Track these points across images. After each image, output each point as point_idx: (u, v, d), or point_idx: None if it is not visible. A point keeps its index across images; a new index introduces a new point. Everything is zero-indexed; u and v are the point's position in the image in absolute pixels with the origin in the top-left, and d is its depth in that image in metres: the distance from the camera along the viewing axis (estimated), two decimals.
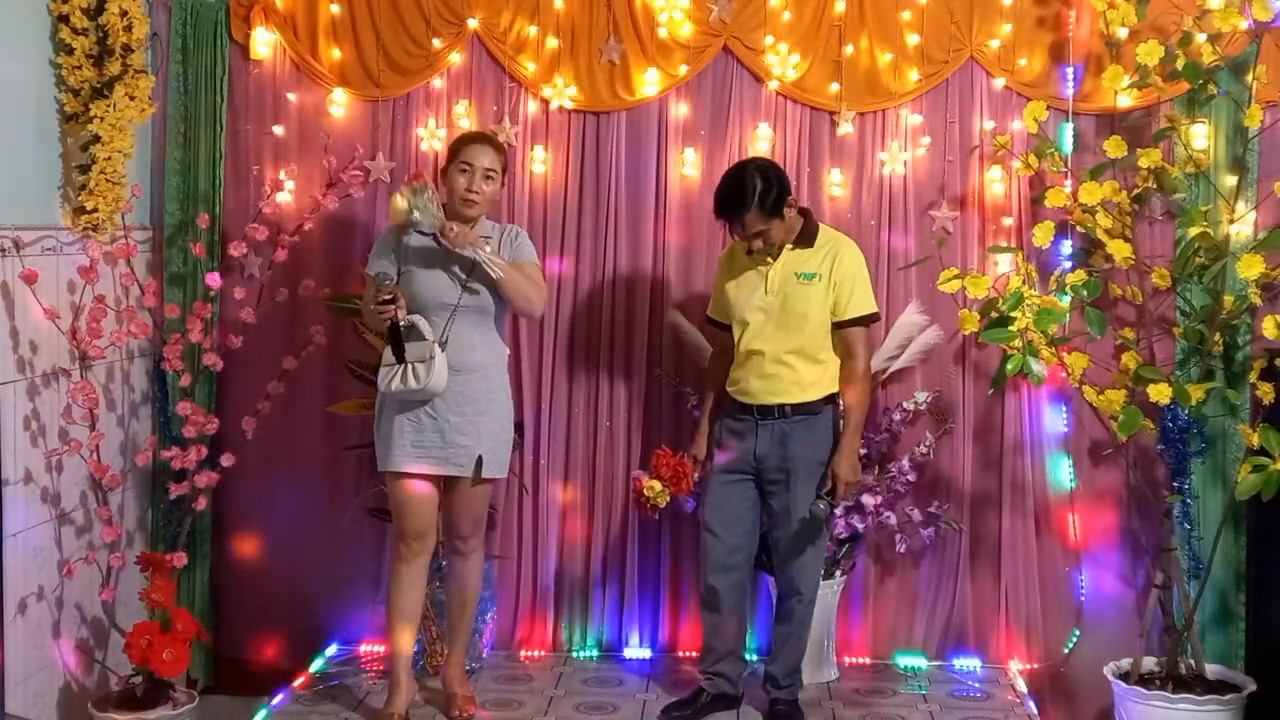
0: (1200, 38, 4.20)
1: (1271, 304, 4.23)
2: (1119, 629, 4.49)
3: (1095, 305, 4.18)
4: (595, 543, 4.69)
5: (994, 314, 4.01)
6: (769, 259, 3.95)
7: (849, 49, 4.52)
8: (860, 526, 4.41)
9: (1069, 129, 4.46)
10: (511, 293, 3.81)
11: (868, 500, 4.38)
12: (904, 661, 4.60)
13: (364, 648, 4.70)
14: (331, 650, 4.68)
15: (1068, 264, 4.37)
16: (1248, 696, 4.17)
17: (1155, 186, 4.28)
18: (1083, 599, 4.56)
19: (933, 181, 4.58)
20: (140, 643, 3.96)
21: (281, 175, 4.59)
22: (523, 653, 4.69)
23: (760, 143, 4.56)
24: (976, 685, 4.43)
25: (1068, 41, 4.46)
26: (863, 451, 4.20)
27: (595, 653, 4.70)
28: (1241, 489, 3.85)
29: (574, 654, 4.70)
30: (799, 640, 4.07)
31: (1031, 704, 4.26)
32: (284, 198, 4.60)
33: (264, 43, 4.65)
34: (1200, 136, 4.34)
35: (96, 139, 4.01)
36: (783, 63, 4.53)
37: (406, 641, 3.98)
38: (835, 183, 4.58)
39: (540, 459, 4.67)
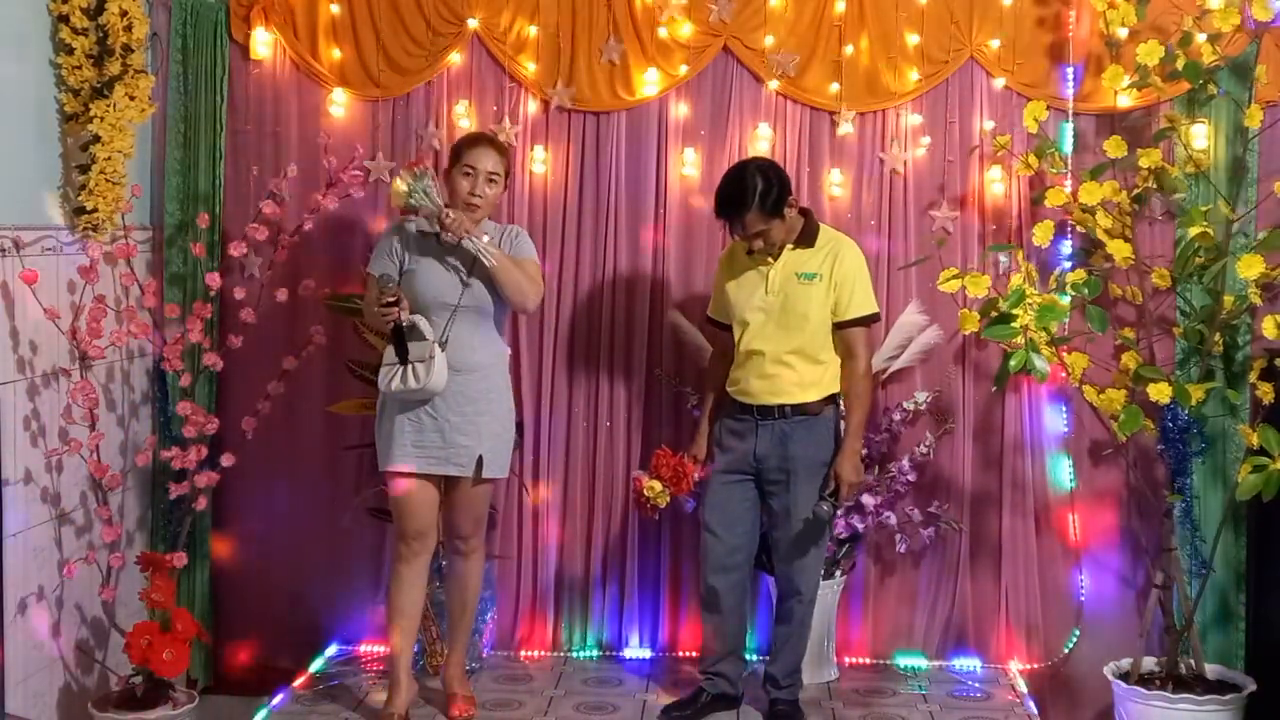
0: (1200, 38, 4.20)
1: (1271, 304, 4.23)
2: (1119, 629, 4.50)
3: (1095, 304, 4.18)
4: (595, 543, 4.69)
5: (994, 313, 4.02)
6: (769, 259, 3.95)
7: (849, 49, 4.52)
8: (860, 526, 4.41)
9: (1069, 129, 4.46)
10: (506, 283, 3.80)
11: (868, 500, 4.38)
12: (904, 661, 4.61)
13: (364, 648, 4.70)
14: (331, 650, 4.68)
15: (1068, 264, 4.37)
16: (1248, 696, 4.17)
17: (1155, 186, 4.28)
18: (1083, 599, 4.56)
19: (933, 181, 4.58)
20: (140, 643, 3.96)
21: (281, 175, 4.59)
22: (523, 653, 4.69)
23: (760, 143, 4.56)
24: (976, 685, 4.43)
25: (1068, 41, 4.46)
26: (863, 452, 4.20)
27: (595, 653, 4.70)
28: (1242, 489, 3.85)
29: (574, 654, 4.70)
30: (799, 640, 4.07)
31: (1031, 704, 4.26)
32: (284, 197, 4.59)
33: (264, 43, 4.65)
34: (1200, 136, 4.34)
35: (96, 139, 4.01)
36: (783, 63, 4.53)
37: (407, 641, 3.98)
38: (835, 183, 4.58)
39: (540, 459, 4.67)
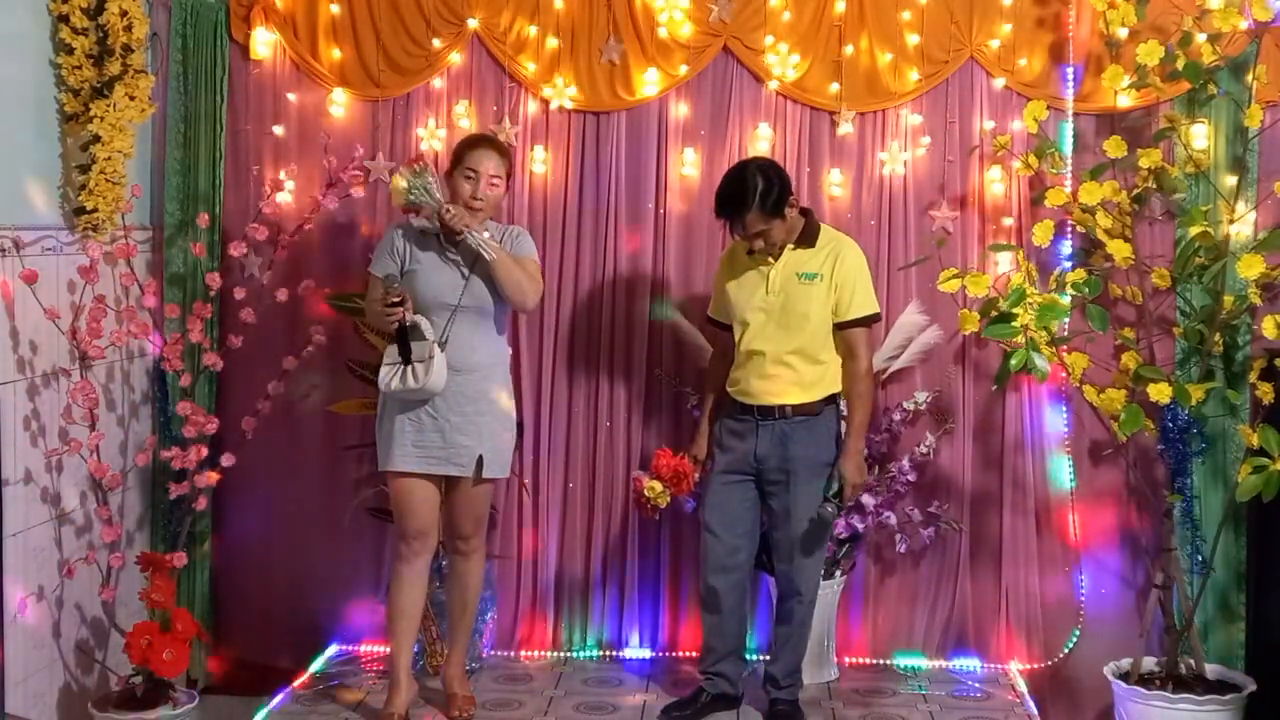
0: (1200, 38, 4.20)
1: (1271, 304, 4.23)
2: (1119, 629, 4.49)
3: (1095, 304, 4.18)
4: (595, 543, 4.69)
5: (994, 312, 4.02)
6: (770, 259, 3.95)
7: (849, 49, 4.52)
8: (860, 526, 4.41)
9: (1069, 129, 4.47)
10: (505, 280, 3.80)
11: (868, 500, 4.38)
12: (904, 661, 4.60)
13: (364, 648, 4.70)
14: (331, 650, 4.68)
15: (1068, 264, 4.37)
16: (1248, 696, 4.17)
17: (1155, 186, 4.28)
18: (1083, 599, 4.56)
19: (933, 181, 4.58)
20: (140, 643, 3.96)
21: (281, 175, 4.59)
22: (523, 653, 4.68)
23: (760, 143, 4.56)
24: (976, 685, 4.43)
25: (1068, 41, 4.46)
26: (864, 452, 4.20)
27: (595, 653, 4.70)
28: (1242, 490, 3.85)
29: (574, 654, 4.70)
30: (799, 641, 4.07)
31: (1031, 704, 4.26)
32: (284, 198, 4.60)
33: (264, 43, 4.65)
34: (1200, 136, 4.34)
35: (96, 139, 4.01)
36: (783, 63, 4.53)
37: (407, 641, 3.98)
38: (835, 183, 4.58)
39: (540, 459, 4.67)
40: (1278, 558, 4.29)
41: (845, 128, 4.55)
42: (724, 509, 4.01)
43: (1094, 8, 4.34)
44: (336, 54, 4.64)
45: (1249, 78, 4.24)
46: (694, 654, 4.48)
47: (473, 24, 4.59)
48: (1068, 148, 4.45)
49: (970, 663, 4.59)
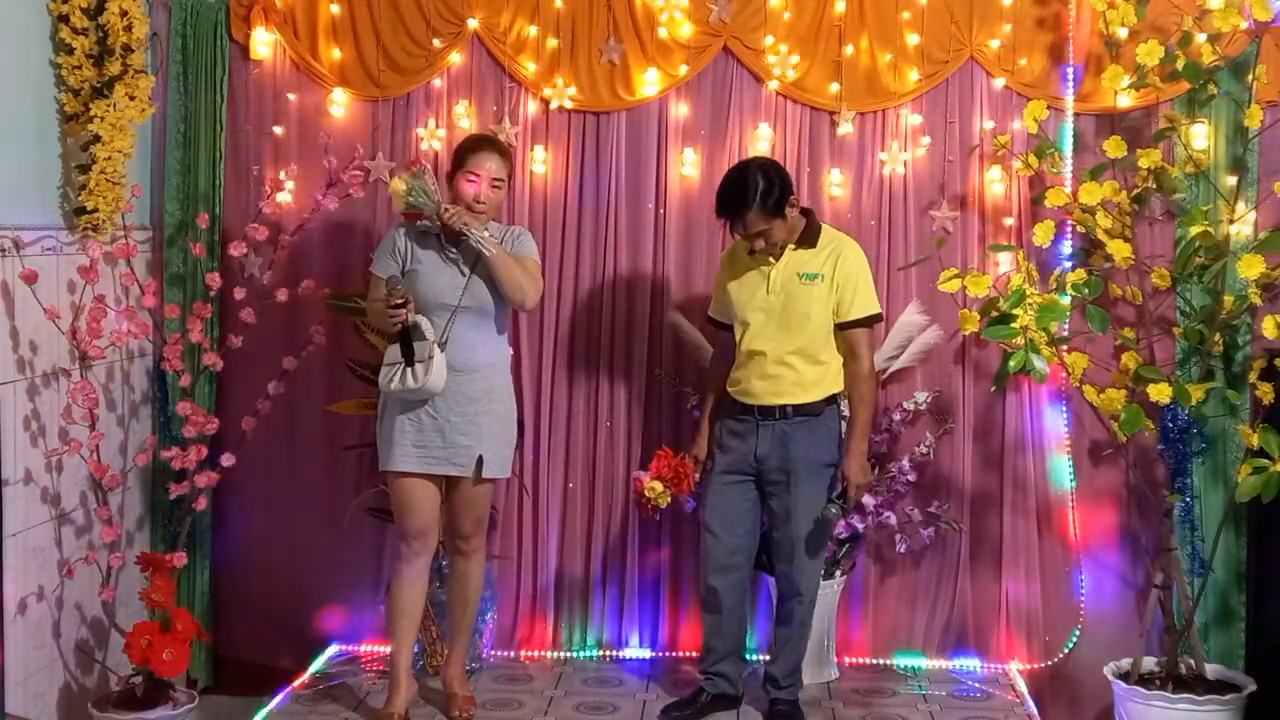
0: (1200, 38, 4.20)
1: (1271, 304, 4.23)
2: (1119, 629, 4.49)
3: (1096, 304, 4.18)
4: (595, 543, 4.69)
5: (995, 313, 4.02)
6: (771, 259, 3.95)
7: (849, 49, 4.52)
8: (860, 526, 4.41)
9: (1069, 129, 4.46)
10: (503, 278, 3.80)
11: (868, 500, 4.38)
12: (904, 661, 4.60)
13: (364, 648, 4.70)
14: (331, 650, 4.68)
15: (1068, 264, 4.37)
16: (1248, 696, 4.17)
17: (1155, 186, 4.28)
18: (1083, 599, 4.56)
19: (933, 181, 4.58)
20: (140, 643, 3.96)
21: (281, 175, 4.59)
22: (523, 653, 4.68)
23: (760, 143, 4.56)
24: (976, 685, 4.43)
25: (1068, 41, 4.46)
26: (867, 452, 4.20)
27: (595, 653, 4.70)
28: (1242, 491, 3.85)
29: (574, 654, 4.70)
30: (799, 641, 4.07)
31: (1031, 704, 4.26)
32: (284, 198, 4.60)
33: (264, 43, 4.65)
34: (1200, 136, 4.34)
35: (96, 139, 4.01)
36: (782, 63, 4.53)
37: (407, 641, 3.98)
38: (835, 183, 4.58)
39: (540, 459, 4.67)
40: (1278, 558, 4.29)
41: (845, 128, 4.55)
42: (724, 509, 4.01)
43: (1094, 8, 4.34)
44: (336, 54, 4.64)
45: (1249, 78, 4.24)
46: (694, 654, 4.48)
47: (473, 24, 4.59)
48: (1068, 148, 4.45)
49: (970, 663, 4.59)
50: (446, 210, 3.75)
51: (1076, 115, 4.47)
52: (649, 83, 4.57)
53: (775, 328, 3.93)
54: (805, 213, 4.02)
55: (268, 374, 4.47)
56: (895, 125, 4.57)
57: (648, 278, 4.63)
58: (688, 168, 4.61)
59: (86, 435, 4.01)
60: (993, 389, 4.46)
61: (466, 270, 3.82)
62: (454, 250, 3.85)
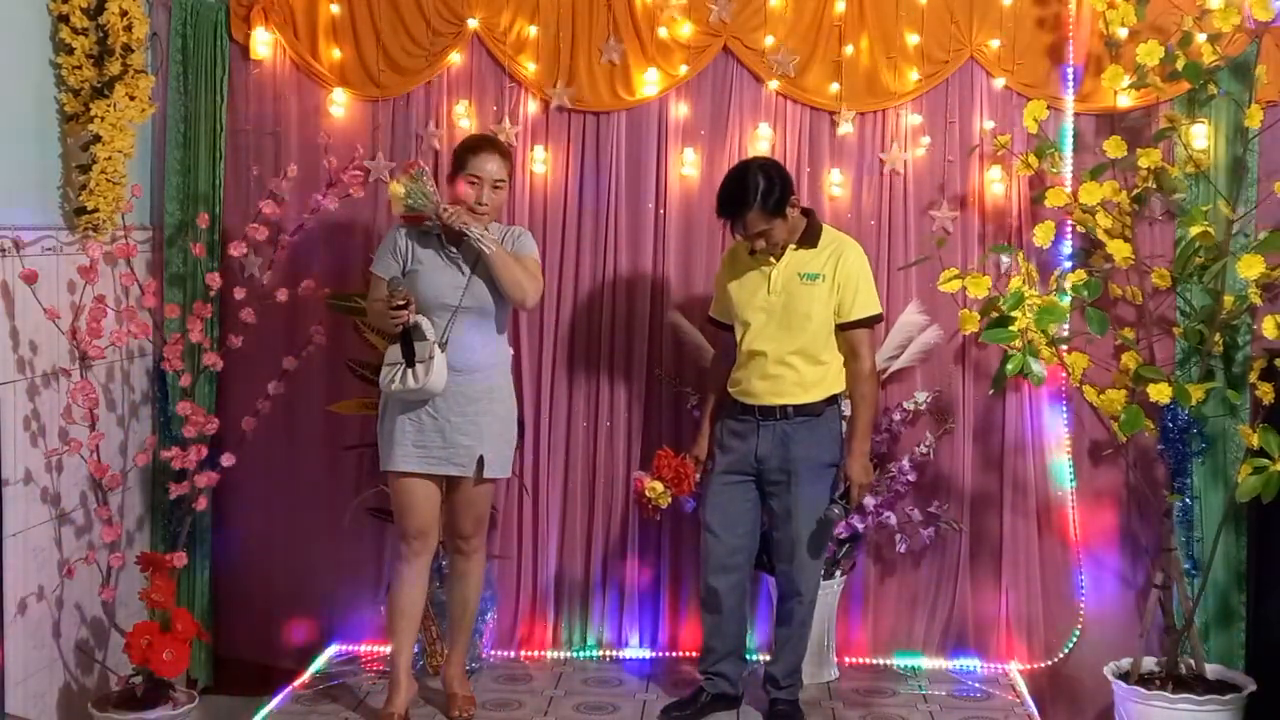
0: (1200, 38, 4.20)
1: (1271, 304, 4.22)
2: (1119, 629, 4.50)
3: (1095, 305, 4.18)
4: (595, 543, 4.69)
5: (994, 314, 4.01)
6: (772, 259, 3.95)
7: (849, 49, 4.52)
8: (860, 526, 4.42)
9: (1069, 129, 4.46)
10: (503, 277, 3.80)
11: (868, 500, 4.37)
12: (904, 661, 4.60)
13: (364, 648, 4.70)
14: (331, 650, 4.68)
15: (1068, 264, 4.37)
16: (1248, 696, 4.17)
17: (1155, 186, 4.28)
18: (1083, 599, 4.56)
19: (933, 181, 4.58)
20: (140, 643, 3.96)
21: (281, 175, 4.59)
22: (523, 653, 4.68)
23: (760, 143, 4.56)
24: (976, 685, 4.43)
25: (1068, 41, 4.46)
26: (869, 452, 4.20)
27: (595, 653, 4.70)
28: (1242, 491, 3.85)
29: (574, 654, 4.70)
30: (799, 641, 4.07)
31: (1031, 704, 4.26)
32: (284, 197, 4.59)
33: (264, 43, 4.65)
34: (1200, 136, 4.34)
35: (97, 139, 4.00)
36: (783, 63, 4.53)
37: (407, 641, 3.98)
38: (835, 183, 4.58)
39: (540, 459, 4.67)
40: (1278, 558, 4.29)
41: (845, 128, 4.55)
42: (724, 509, 4.01)
43: (1094, 8, 4.34)
44: (336, 54, 4.64)
45: (1249, 78, 4.24)
46: (694, 654, 4.47)
47: (473, 24, 4.59)
48: (1068, 148, 4.45)
49: (970, 663, 4.59)
50: (446, 210, 3.75)
51: (1076, 115, 4.47)
52: (649, 83, 4.57)
53: (776, 328, 3.93)
54: (806, 213, 4.02)
55: (268, 374, 4.47)
56: (895, 125, 4.57)
57: (648, 278, 4.63)
58: (688, 168, 4.61)
59: (86, 435, 4.01)
60: (991, 392, 4.45)
61: (467, 270, 3.82)
62: (454, 250, 3.85)
